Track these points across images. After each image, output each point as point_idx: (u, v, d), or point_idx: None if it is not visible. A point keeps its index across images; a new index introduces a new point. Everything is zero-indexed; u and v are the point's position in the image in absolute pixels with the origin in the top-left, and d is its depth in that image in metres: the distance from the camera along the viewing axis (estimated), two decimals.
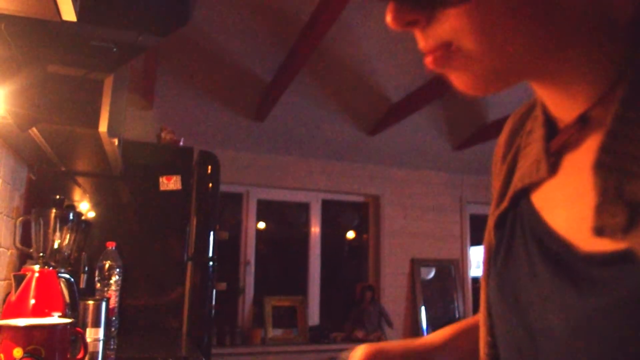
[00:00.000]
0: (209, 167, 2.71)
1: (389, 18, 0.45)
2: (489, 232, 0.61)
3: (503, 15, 0.41)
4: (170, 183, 2.61)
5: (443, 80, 0.49)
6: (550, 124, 0.52)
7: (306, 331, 4.30)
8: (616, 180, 0.41)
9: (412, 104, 3.86)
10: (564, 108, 0.49)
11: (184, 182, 2.62)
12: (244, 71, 3.57)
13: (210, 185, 2.70)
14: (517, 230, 0.54)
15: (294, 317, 4.36)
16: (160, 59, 3.25)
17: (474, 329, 0.70)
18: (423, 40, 0.46)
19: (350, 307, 4.60)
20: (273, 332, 4.22)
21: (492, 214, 0.61)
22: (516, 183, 0.56)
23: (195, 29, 3.00)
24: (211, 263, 2.64)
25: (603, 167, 0.42)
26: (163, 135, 2.84)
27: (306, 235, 4.66)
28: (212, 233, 2.66)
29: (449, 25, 0.43)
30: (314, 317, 4.49)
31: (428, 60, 0.46)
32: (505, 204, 0.57)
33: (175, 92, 3.68)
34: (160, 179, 2.59)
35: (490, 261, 0.60)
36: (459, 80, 0.46)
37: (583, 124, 0.47)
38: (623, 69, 0.43)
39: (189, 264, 2.60)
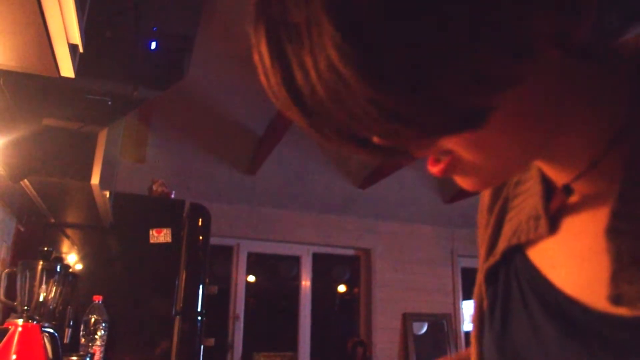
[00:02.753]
0: (200, 219, 2.70)
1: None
2: (479, 286, 0.59)
3: (499, 134, 0.41)
4: (160, 236, 2.59)
5: None
6: (546, 181, 0.52)
7: None
8: (631, 245, 0.41)
9: None
10: (559, 173, 0.49)
11: (174, 235, 2.60)
12: (236, 125, 3.62)
13: (201, 238, 2.68)
14: (514, 288, 0.53)
15: None
16: (153, 112, 3.30)
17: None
18: (419, 152, 0.44)
19: None
20: None
21: (481, 266, 0.59)
22: (510, 238, 0.55)
23: (189, 83, 3.06)
24: (199, 318, 2.59)
25: (616, 232, 0.42)
26: (154, 187, 2.84)
27: (297, 288, 4.60)
28: (201, 287, 2.62)
29: (446, 146, 0.42)
30: None
31: (433, 169, 0.45)
32: (497, 257, 0.56)
33: (168, 145, 3.71)
34: (150, 232, 2.57)
35: (482, 318, 0.58)
36: (465, 183, 0.46)
37: (568, 193, 0.48)
38: (618, 135, 0.44)
39: (177, 318, 2.55)
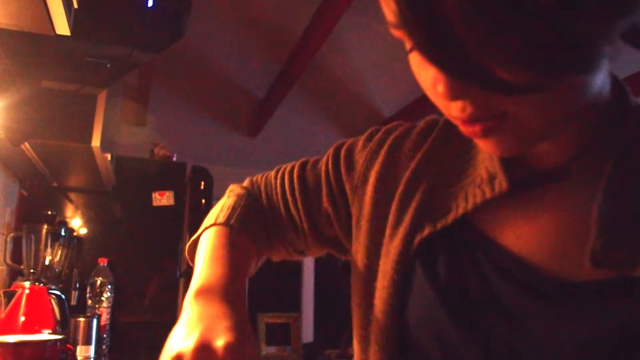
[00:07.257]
0: (202, 182, 2.70)
1: (440, 88, 0.45)
2: (403, 247, 0.59)
3: (557, 100, 0.44)
4: (163, 199, 2.59)
5: None
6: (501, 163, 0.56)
7: (300, 348, 4.26)
8: (616, 219, 0.48)
9: (405, 119, 3.87)
10: (553, 154, 0.54)
11: (176, 197, 2.61)
12: (237, 87, 3.58)
13: (203, 201, 2.69)
14: (460, 255, 0.55)
15: (287, 334, 4.32)
16: (154, 75, 3.26)
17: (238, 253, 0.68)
18: (467, 108, 0.45)
19: (345, 324, 4.56)
20: (267, 350, 4.18)
21: (405, 234, 0.59)
22: (460, 204, 0.56)
23: (189, 46, 3.01)
24: None
25: (606, 208, 0.48)
26: (156, 150, 2.83)
27: None
28: None
29: (513, 101, 0.43)
30: (308, 334, 4.45)
31: (474, 130, 0.47)
32: (441, 225, 0.57)
33: (169, 107, 3.68)
34: (153, 195, 2.58)
35: (414, 276, 0.58)
36: (498, 144, 0.48)
37: (564, 173, 0.53)
38: (598, 135, 0.52)
39: (182, 280, 2.58)
